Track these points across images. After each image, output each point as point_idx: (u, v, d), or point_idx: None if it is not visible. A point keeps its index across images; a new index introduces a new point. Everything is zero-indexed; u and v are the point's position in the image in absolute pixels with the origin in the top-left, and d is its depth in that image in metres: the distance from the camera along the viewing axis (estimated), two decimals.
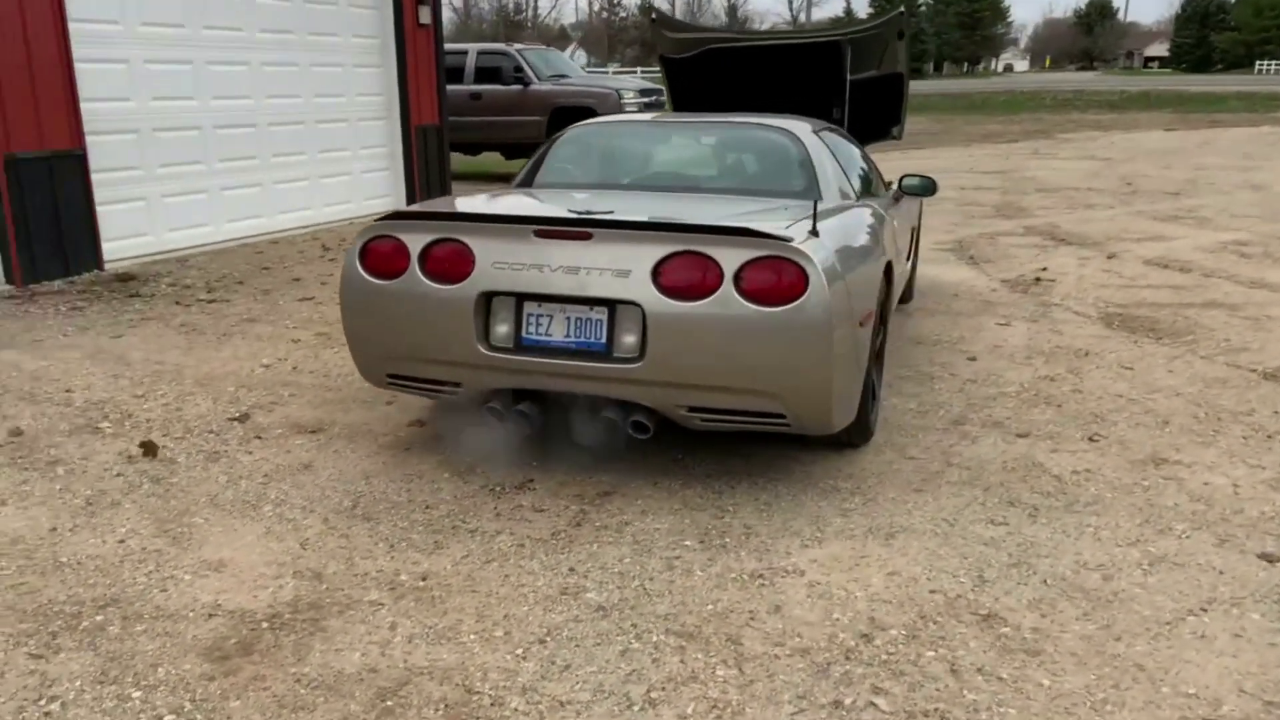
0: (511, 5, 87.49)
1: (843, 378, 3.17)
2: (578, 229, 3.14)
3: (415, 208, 3.49)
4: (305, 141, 8.87)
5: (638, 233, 3.11)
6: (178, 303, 6.12)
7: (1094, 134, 20.65)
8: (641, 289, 3.06)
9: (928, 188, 5.00)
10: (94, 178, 7.01)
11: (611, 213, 3.33)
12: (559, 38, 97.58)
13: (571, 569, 2.84)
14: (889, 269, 3.89)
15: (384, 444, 3.80)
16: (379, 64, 9.68)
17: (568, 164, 4.30)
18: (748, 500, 3.30)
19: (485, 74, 14.22)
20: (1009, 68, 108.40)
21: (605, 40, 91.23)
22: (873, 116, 6.38)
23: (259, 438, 3.85)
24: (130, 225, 7.38)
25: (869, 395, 3.58)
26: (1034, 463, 3.63)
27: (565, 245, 3.15)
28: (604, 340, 3.18)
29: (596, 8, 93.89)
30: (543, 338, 3.24)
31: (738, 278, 3.03)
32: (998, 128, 23.02)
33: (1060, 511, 3.23)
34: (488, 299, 3.26)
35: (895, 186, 5.10)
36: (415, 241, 3.32)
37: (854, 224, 3.55)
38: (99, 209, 7.07)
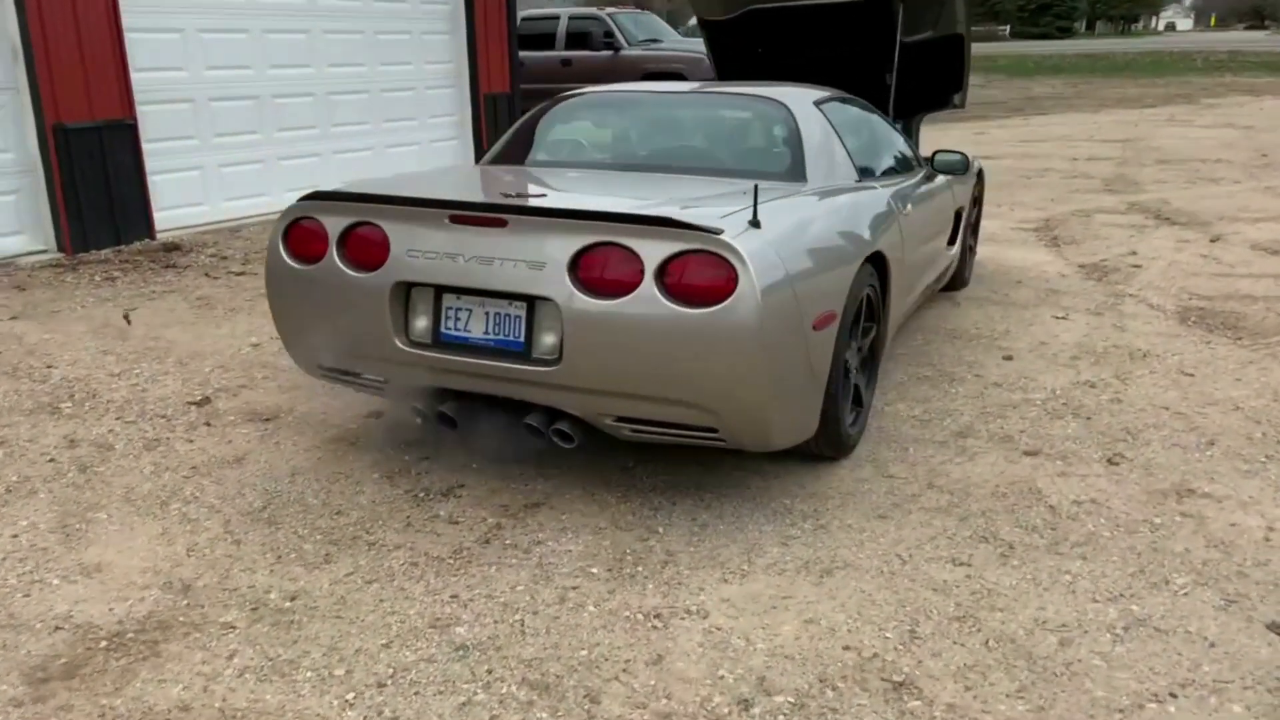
0: None
1: (785, 389, 2.78)
2: (492, 215, 2.84)
3: (338, 186, 3.24)
4: (369, 111, 8.80)
5: (555, 221, 2.79)
6: (207, 274, 6.11)
7: (1242, 99, 18.90)
8: (557, 284, 2.75)
9: (957, 165, 4.46)
10: (146, 147, 7.08)
11: (544, 196, 3.02)
12: None
13: (455, 595, 2.58)
14: (880, 260, 3.44)
15: (329, 437, 3.61)
16: (448, 30, 9.53)
17: (539, 139, 3.99)
18: (683, 520, 2.97)
19: (576, 39, 13.98)
20: (1170, 26, 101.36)
21: None
22: (931, 83, 5.81)
23: (208, 424, 3.72)
24: (185, 194, 7.46)
25: (841, 404, 3.16)
26: (1032, 488, 3.15)
27: (481, 233, 2.86)
28: (522, 339, 2.88)
29: None
30: (462, 333, 2.97)
31: (661, 273, 2.67)
32: (1137, 91, 21.36)
33: (1040, 552, 2.77)
34: (407, 289, 3.00)
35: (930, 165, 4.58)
36: (334, 224, 3.09)
37: (821, 212, 3.12)
38: (152, 178, 7.15)
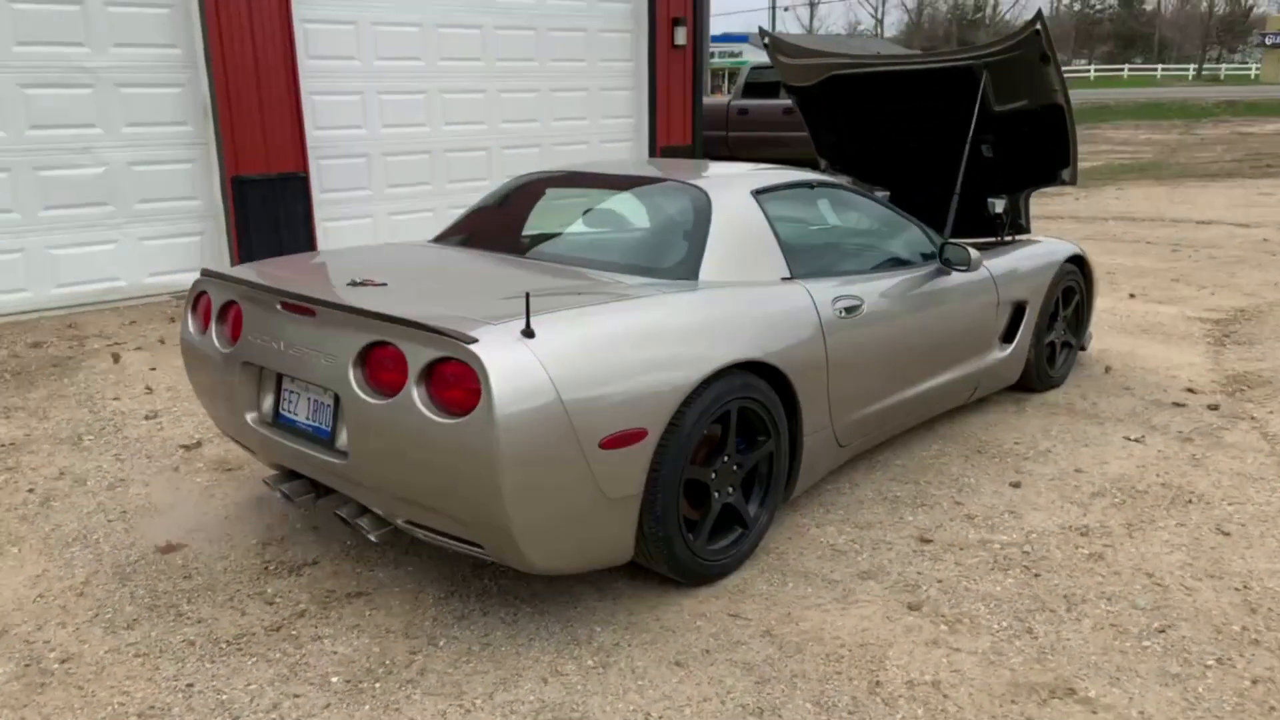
0: (970, 3, 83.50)
1: (550, 510, 2.60)
2: (303, 304, 2.90)
3: (245, 266, 3.43)
4: (540, 164, 9.19)
5: (349, 316, 2.79)
6: None
7: None
8: (342, 377, 2.75)
9: (959, 260, 3.93)
10: (318, 197, 7.87)
11: (371, 284, 3.03)
12: None
13: (190, 685, 2.64)
14: (772, 369, 3.11)
15: (256, 494, 3.81)
16: (629, 87, 9.75)
17: (476, 219, 3.98)
18: (474, 635, 2.85)
19: (756, 89, 14.07)
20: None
21: (1072, 36, 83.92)
22: (1036, 157, 5.15)
23: (175, 469, 4.06)
24: (354, 240, 8.18)
25: (673, 528, 2.88)
26: (878, 657, 2.71)
27: (300, 320, 2.93)
28: (329, 428, 2.91)
29: (1066, 1, 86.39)
30: (293, 416, 3.05)
31: (425, 378, 2.60)
32: None
33: None
34: (259, 368, 3.13)
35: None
36: (217, 298, 3.29)
37: (646, 317, 2.85)
38: (322, 224, 7.92)
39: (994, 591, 3.05)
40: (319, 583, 3.15)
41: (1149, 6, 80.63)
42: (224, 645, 2.81)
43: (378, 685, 2.62)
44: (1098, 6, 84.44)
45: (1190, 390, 4.95)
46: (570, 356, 2.62)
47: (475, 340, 2.51)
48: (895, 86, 5.26)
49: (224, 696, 2.57)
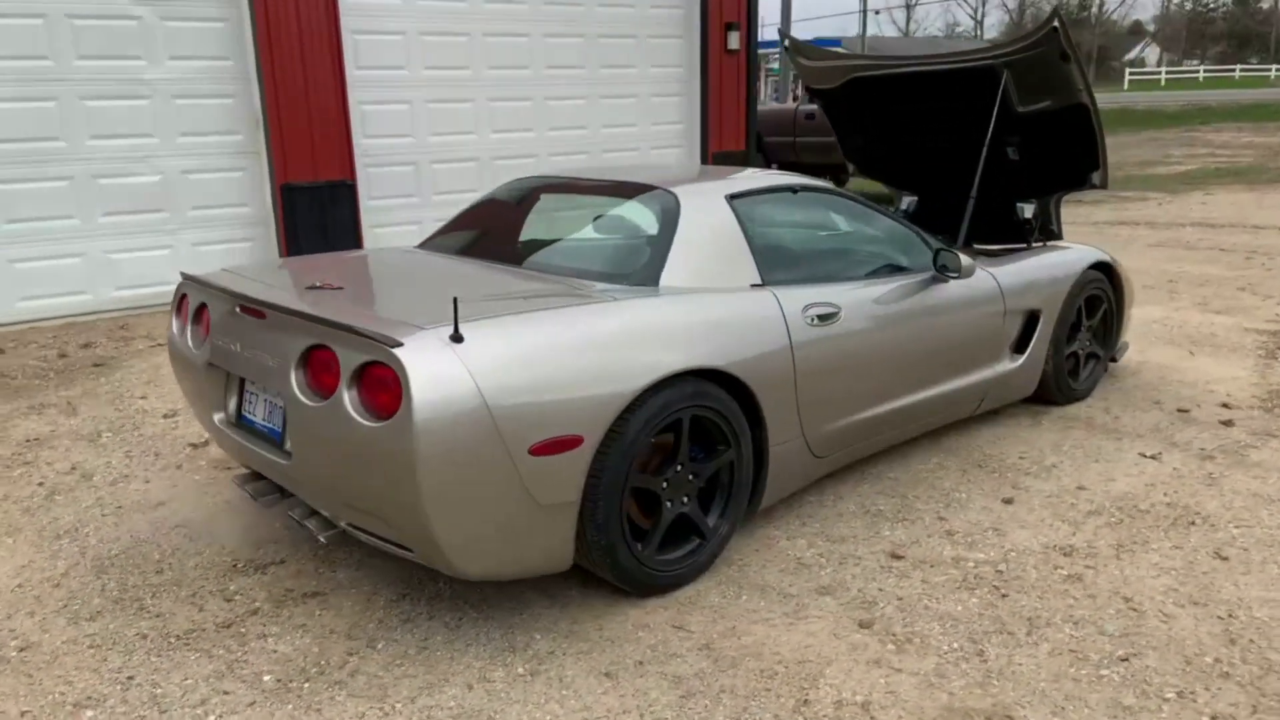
0: (1075, 2, 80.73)
1: (475, 516, 2.59)
2: (257, 308, 2.96)
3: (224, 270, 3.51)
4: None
5: (293, 319, 2.84)
6: None
7: None
8: (285, 379, 2.80)
9: (950, 267, 3.79)
10: (366, 203, 8.05)
11: (329, 287, 3.08)
12: (1130, 34, 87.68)
13: (131, 678, 2.71)
14: (730, 378, 3.05)
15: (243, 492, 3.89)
16: (680, 93, 9.72)
17: (461, 225, 4.00)
18: (415, 637, 2.86)
19: None
20: None
21: (1183, 36, 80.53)
22: (1064, 159, 4.94)
23: (179, 467, 4.18)
24: (401, 245, 8.33)
25: (616, 536, 2.84)
26: (815, 674, 2.63)
27: (256, 324, 2.99)
28: (280, 429, 2.96)
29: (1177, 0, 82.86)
30: (252, 417, 3.12)
31: (356, 381, 2.63)
32: None
33: None
34: (225, 370, 3.20)
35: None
36: (194, 301, 3.38)
37: (583, 325, 2.81)
38: (369, 230, 8.10)
39: (954, 611, 2.92)
40: (280, 582, 3.20)
41: (1265, 4, 76.81)
42: (173, 640, 2.88)
43: (306, 685, 2.65)
44: (1210, 5, 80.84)
45: (1225, 405, 4.67)
46: (499, 362, 2.61)
47: (400, 344, 2.52)
48: (917, 88, 5.12)
49: (159, 690, 2.63)
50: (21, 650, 2.84)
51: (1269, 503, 3.60)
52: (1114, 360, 5.03)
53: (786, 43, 5.45)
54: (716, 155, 9.87)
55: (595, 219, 3.58)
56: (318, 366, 2.75)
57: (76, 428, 4.71)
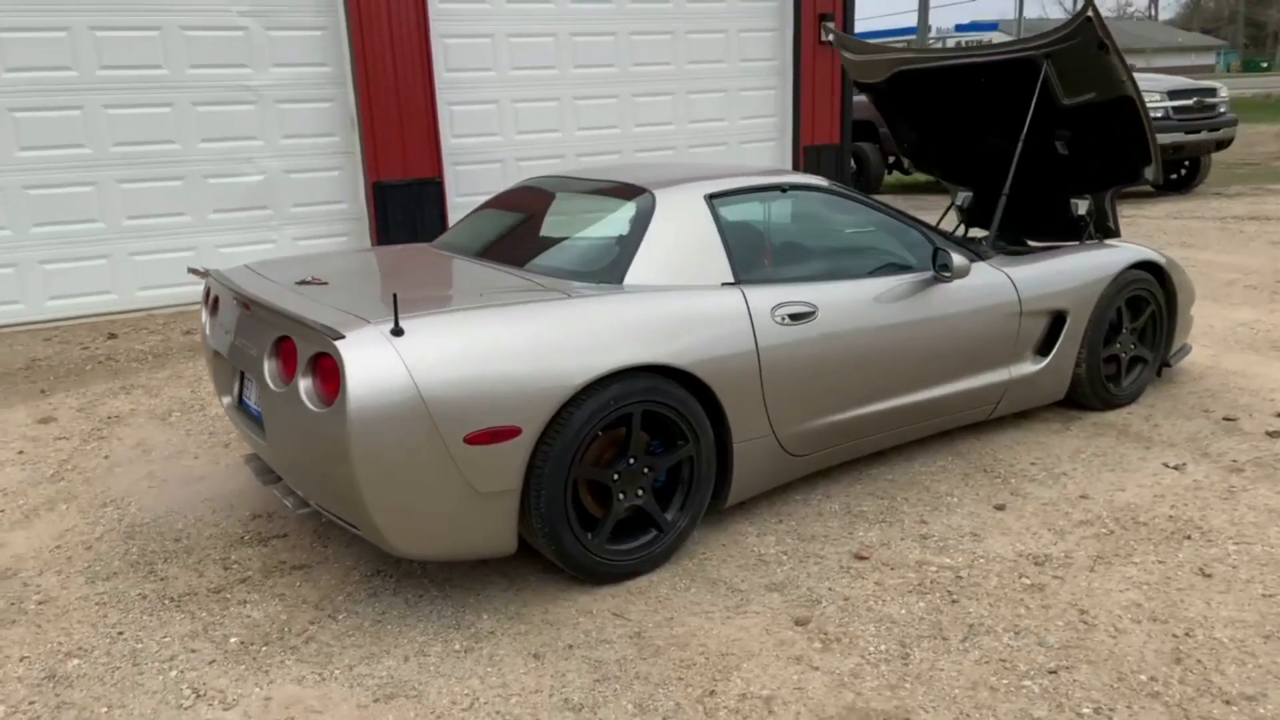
0: None
1: (407, 500, 2.76)
2: (243, 299, 3.21)
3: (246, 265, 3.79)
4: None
5: (265, 312, 3.08)
6: None
7: None
8: (261, 368, 3.04)
9: (937, 262, 3.70)
10: (453, 200, 8.40)
11: (317, 282, 3.31)
12: None
13: (110, 632, 3.00)
14: (690, 376, 3.12)
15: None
16: (773, 86, 9.68)
17: (465, 224, 4.17)
18: (373, 610, 3.06)
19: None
20: None
21: None
22: (1114, 153, 4.73)
23: (226, 445, 4.54)
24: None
25: (561, 525, 2.96)
26: (730, 667, 2.67)
27: (244, 315, 3.25)
28: (261, 414, 3.21)
29: None
30: (249, 402, 3.38)
31: (310, 370, 2.85)
32: None
33: None
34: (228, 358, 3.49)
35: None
36: (213, 294, 3.68)
37: (527, 320, 2.92)
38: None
39: (896, 614, 2.90)
40: (276, 554, 3.47)
41: None
42: (168, 601, 3.18)
43: (264, 649, 2.88)
44: None
45: (1279, 415, 4.38)
46: (437, 355, 2.76)
47: (342, 337, 2.71)
48: (962, 81, 4.99)
49: (139, 645, 2.92)
50: (40, 604, 3.20)
51: (1274, 518, 3.39)
52: (1167, 365, 4.77)
53: (830, 36, 5.39)
54: (808, 149, 9.79)
55: (580, 218, 3.69)
56: (285, 356, 2.98)
57: (154, 408, 5.16)
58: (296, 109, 7.83)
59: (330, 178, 8.05)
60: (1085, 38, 4.29)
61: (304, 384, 2.83)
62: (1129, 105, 4.47)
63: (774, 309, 3.37)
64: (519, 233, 3.88)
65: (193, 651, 2.87)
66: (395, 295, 2.81)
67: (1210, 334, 5.72)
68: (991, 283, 3.98)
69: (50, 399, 5.36)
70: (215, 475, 4.21)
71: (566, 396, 2.89)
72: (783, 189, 3.72)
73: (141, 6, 7.17)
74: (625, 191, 3.61)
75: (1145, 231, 9.56)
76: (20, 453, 4.55)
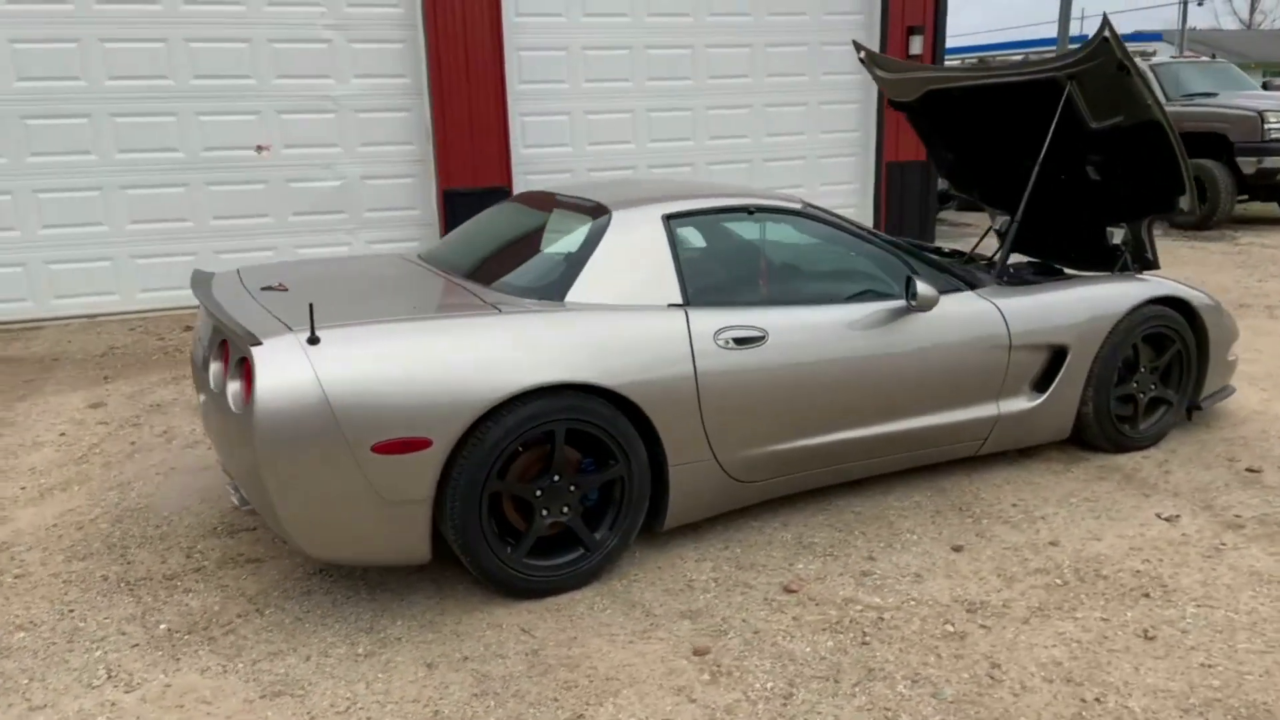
0: None
1: (312, 503, 2.85)
2: (205, 304, 3.39)
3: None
4: (749, 178, 9.25)
5: (221, 317, 3.23)
6: None
7: None
8: (210, 369, 3.21)
9: (907, 290, 3.55)
10: None
11: (281, 288, 3.45)
12: None
13: (66, 614, 3.21)
14: (620, 398, 3.12)
15: None
16: (856, 100, 9.49)
17: (449, 239, 4.24)
18: (297, 606, 3.17)
19: None
20: None
21: None
22: (1145, 181, 4.44)
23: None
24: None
25: (476, 538, 3.00)
26: (610, 692, 2.65)
27: (207, 319, 3.43)
28: None
29: None
30: None
31: (238, 373, 2.99)
32: None
33: None
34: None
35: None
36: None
37: (447, 334, 2.96)
38: None
39: (799, 651, 2.81)
40: (239, 546, 3.63)
41: None
42: (123, 585, 3.37)
43: (186, 637, 3.03)
44: None
45: None
46: (349, 365, 2.85)
47: (259, 343, 2.83)
48: (991, 102, 4.78)
49: (81, 624, 3.12)
50: (17, 578, 3.45)
51: (1263, 583, 3.11)
52: (1198, 409, 4.44)
53: (862, 54, 5.26)
54: (891, 165, 9.54)
55: (548, 235, 3.72)
56: (225, 360, 3.13)
57: (192, 398, 5.48)
58: (375, 118, 8.16)
59: (404, 184, 8.34)
60: (1105, 59, 4.05)
61: (231, 387, 2.97)
62: (1157, 130, 4.19)
63: (717, 332, 3.32)
64: (489, 248, 3.94)
65: (123, 634, 3.04)
66: (311, 305, 2.91)
67: (1273, 377, 5.29)
68: (977, 313, 3.80)
69: (109, 385, 5.76)
70: (218, 467, 4.43)
71: (481, 411, 2.93)
72: (750, 211, 3.66)
73: (232, 18, 7.61)
74: (588, 209, 3.62)
75: (1255, 260, 8.92)
76: (62, 434, 4.91)
